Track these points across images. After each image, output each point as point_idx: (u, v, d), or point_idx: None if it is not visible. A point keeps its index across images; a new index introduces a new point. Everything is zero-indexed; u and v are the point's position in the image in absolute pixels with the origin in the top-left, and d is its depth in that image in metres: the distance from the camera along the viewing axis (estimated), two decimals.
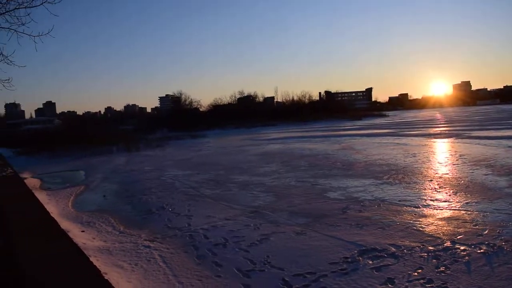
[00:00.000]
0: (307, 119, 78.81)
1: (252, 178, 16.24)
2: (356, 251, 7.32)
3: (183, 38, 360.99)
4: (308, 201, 11.55)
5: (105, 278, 5.52)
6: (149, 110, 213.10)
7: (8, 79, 11.54)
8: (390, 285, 5.90)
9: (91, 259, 6.57)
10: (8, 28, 10.46)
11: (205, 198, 13.11)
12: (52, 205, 13.32)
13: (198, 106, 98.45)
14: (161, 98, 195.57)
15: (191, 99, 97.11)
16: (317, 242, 7.99)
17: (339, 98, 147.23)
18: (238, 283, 6.32)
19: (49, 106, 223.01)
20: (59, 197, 15.22)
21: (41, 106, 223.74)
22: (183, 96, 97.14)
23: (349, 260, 6.95)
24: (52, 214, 10.16)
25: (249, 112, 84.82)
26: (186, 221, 10.33)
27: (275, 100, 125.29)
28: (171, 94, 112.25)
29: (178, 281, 6.51)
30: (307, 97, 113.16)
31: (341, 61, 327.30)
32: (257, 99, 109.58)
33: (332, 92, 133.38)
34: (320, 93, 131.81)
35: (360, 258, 6.98)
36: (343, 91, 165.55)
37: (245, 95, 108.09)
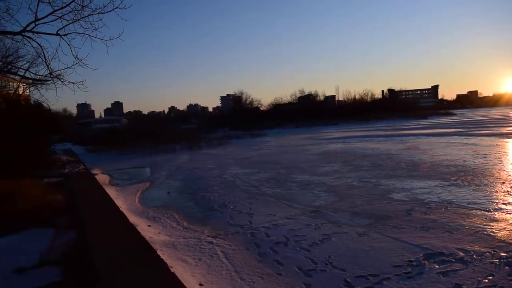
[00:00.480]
0: (369, 118, 77.09)
1: (313, 177, 16.15)
2: (421, 255, 7.09)
3: (244, 38, 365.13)
4: (370, 202, 11.32)
5: (172, 271, 5.74)
6: (210, 109, 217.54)
7: (82, 81, 12.30)
8: None
9: (158, 252, 6.84)
10: (82, 33, 11.15)
11: (266, 196, 13.21)
12: (120, 200, 13.98)
13: (259, 105, 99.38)
14: (222, 98, 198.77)
15: (251, 99, 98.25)
16: (380, 244, 7.82)
17: (403, 96, 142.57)
18: (300, 282, 6.33)
19: (117, 106, 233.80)
20: (126, 192, 15.94)
21: (110, 106, 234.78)
22: (243, 95, 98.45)
23: (414, 263, 6.74)
24: (121, 209, 10.70)
25: (310, 111, 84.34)
26: (247, 219, 10.48)
27: (336, 99, 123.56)
28: (232, 93, 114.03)
29: (240, 278, 6.63)
30: (369, 95, 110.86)
31: (405, 58, 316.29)
32: (318, 98, 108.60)
33: (396, 90, 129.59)
34: (383, 91, 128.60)
35: (426, 262, 6.76)
36: (407, 89, 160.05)
37: (306, 94, 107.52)
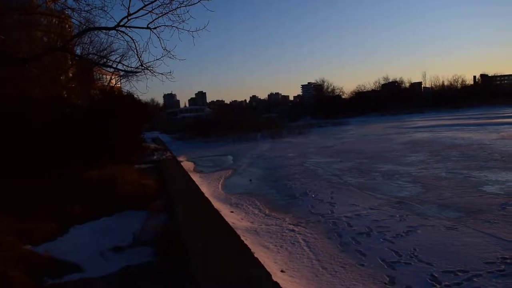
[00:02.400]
0: (459, 106, 72.57)
1: (398, 167, 15.63)
2: None
3: (324, 26, 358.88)
4: (460, 194, 10.74)
5: (255, 256, 5.90)
6: (291, 98, 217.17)
7: (170, 72, 12.89)
8: None
9: (241, 238, 7.05)
10: (171, 25, 11.67)
11: (348, 186, 13.03)
12: (205, 186, 14.54)
13: (341, 93, 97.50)
14: (303, 86, 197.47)
15: (333, 87, 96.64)
16: (470, 239, 7.42)
17: (498, 82, 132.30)
18: (383, 274, 6.21)
19: (200, 95, 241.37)
20: (210, 179, 16.54)
21: (194, 96, 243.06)
22: (325, 83, 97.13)
23: (509, 261, 6.32)
24: (206, 195, 11.12)
25: (394, 99, 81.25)
26: (329, 208, 10.43)
27: (422, 86, 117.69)
28: (313, 82, 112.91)
29: (321, 266, 6.65)
30: (459, 81, 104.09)
31: (500, 40, 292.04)
32: (403, 85, 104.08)
33: (490, 75, 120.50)
34: (474, 76, 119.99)
35: None
36: (503, 73, 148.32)
37: (390, 81, 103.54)
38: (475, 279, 5.79)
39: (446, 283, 5.76)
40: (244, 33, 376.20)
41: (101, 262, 6.61)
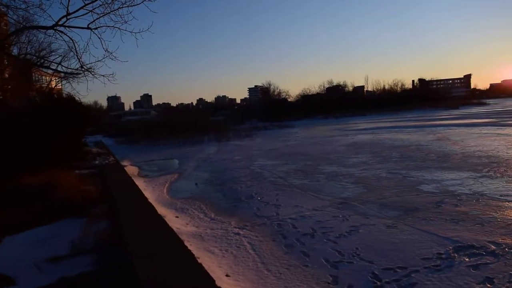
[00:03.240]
0: (399, 109, 75.58)
1: (341, 168, 16.02)
2: (451, 247, 6.96)
3: (271, 29, 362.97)
4: (399, 194, 11.16)
5: (199, 262, 5.83)
6: (238, 101, 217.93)
7: (113, 74, 12.53)
8: (489, 285, 5.55)
9: (185, 243, 6.94)
10: (113, 26, 11.35)
11: (293, 188, 13.20)
12: (149, 191, 14.22)
13: (287, 96, 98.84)
14: (250, 89, 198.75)
15: (279, 90, 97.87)
16: (408, 236, 7.72)
17: (434, 86, 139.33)
18: (326, 274, 6.32)
19: (146, 98, 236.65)
20: (155, 184, 16.20)
21: (139, 99, 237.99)
22: (271, 86, 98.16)
23: (443, 256, 6.63)
24: (149, 200, 10.89)
25: (338, 102, 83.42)
26: (274, 210, 10.50)
27: (365, 89, 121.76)
28: (260, 85, 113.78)
29: (266, 269, 6.67)
30: (399, 85, 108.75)
31: (436, 47, 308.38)
32: (347, 88, 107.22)
33: (426, 79, 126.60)
34: (413, 81, 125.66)
35: (456, 255, 6.63)
36: (438, 78, 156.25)
37: (334, 84, 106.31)
38: (413, 275, 6.01)
39: (386, 280, 5.94)
40: (191, 35, 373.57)
41: (36, 274, 6.28)
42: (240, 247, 7.86)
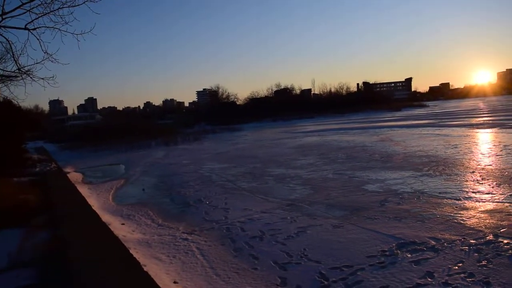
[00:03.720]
0: (344, 111, 77.82)
1: (289, 171, 16.20)
2: (394, 244, 7.19)
3: (220, 32, 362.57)
4: (345, 194, 11.42)
5: (145, 270, 5.67)
6: (187, 104, 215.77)
7: (53, 77, 11.96)
8: (429, 279, 5.77)
9: (131, 251, 6.75)
10: (52, 27, 10.84)
11: (242, 191, 13.19)
12: (93, 199, 13.75)
13: (235, 99, 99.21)
14: (198, 92, 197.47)
15: (228, 93, 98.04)
16: (354, 235, 7.90)
17: (378, 89, 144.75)
18: (275, 275, 6.33)
19: (91, 102, 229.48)
20: (100, 190, 15.69)
21: (83, 102, 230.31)
22: (220, 90, 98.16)
23: (387, 253, 6.83)
24: (93, 208, 10.52)
25: (286, 105, 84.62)
26: (223, 214, 10.44)
27: (312, 92, 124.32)
28: (209, 88, 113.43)
29: (215, 274, 6.60)
30: (344, 88, 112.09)
31: (379, 51, 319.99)
32: (294, 91, 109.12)
33: (371, 83, 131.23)
34: (358, 84, 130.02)
35: (399, 252, 6.85)
36: (381, 81, 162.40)
37: (282, 87, 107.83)
38: (358, 273, 6.15)
39: (333, 279, 6.04)
40: (137, 37, 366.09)
41: None
42: (189, 253, 7.73)
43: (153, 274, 5.79)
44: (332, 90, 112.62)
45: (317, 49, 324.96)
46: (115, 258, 6.09)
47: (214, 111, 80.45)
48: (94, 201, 13.00)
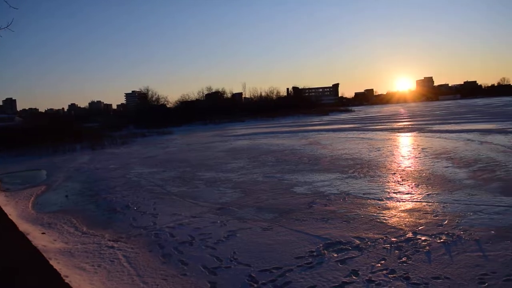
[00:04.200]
0: (275, 115, 79.13)
1: (219, 174, 16.16)
2: (321, 245, 7.39)
3: (150, 34, 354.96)
4: (275, 197, 11.58)
5: (66, 281, 5.37)
6: (115, 106, 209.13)
7: None
8: (354, 277, 5.98)
9: (51, 262, 6.39)
10: None
11: (171, 195, 12.95)
12: (10, 207, 12.86)
13: (165, 102, 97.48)
14: (127, 95, 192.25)
15: (158, 95, 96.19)
16: (283, 237, 8.02)
17: (307, 94, 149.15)
18: (205, 280, 6.26)
19: (9, 103, 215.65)
20: (18, 198, 14.70)
21: (1, 103, 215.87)
22: (150, 92, 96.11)
23: (315, 253, 7.00)
24: (10, 216, 9.84)
25: (217, 108, 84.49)
26: (151, 220, 10.17)
27: (243, 96, 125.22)
28: (138, 90, 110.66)
29: (142, 281, 6.40)
30: (275, 93, 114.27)
31: (309, 57, 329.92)
32: (225, 95, 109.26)
33: (300, 88, 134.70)
34: (288, 89, 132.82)
35: (325, 252, 7.05)
36: (310, 87, 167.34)
37: (213, 91, 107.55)
38: (287, 274, 6.24)
39: (263, 281, 6.07)
40: (61, 35, 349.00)
41: None
42: (114, 261, 7.44)
43: (75, 286, 5.51)
44: (263, 94, 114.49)
45: (249, 53, 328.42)
46: (34, 269, 5.72)
47: (144, 114, 78.46)
48: (11, 210, 12.15)
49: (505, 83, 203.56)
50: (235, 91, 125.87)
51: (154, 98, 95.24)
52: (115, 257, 7.64)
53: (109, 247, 8.28)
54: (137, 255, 7.71)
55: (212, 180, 14.93)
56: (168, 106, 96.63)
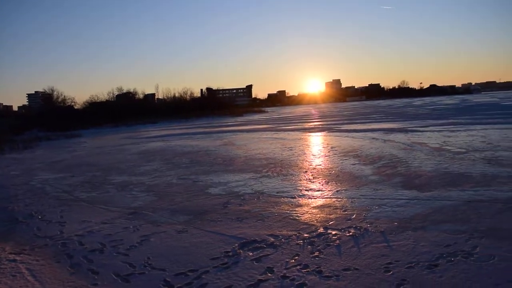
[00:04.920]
0: (189, 116, 78.40)
1: (132, 178, 15.66)
2: (237, 245, 7.45)
3: (54, 30, 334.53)
4: (189, 198, 11.47)
5: None
6: (15, 108, 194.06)
7: None
8: (269, 274, 6.10)
9: None
10: None
11: (80, 202, 12.30)
12: None
13: (73, 103, 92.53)
14: (29, 95, 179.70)
15: (64, 96, 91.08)
16: (198, 239, 7.97)
17: (221, 95, 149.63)
18: None
19: None
20: None
21: None
22: (55, 93, 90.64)
23: (230, 254, 7.04)
24: None
25: (129, 110, 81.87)
26: (58, 229, 9.58)
27: (156, 97, 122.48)
28: (42, 91, 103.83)
29: None
30: (188, 93, 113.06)
31: (222, 58, 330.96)
32: (137, 96, 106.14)
33: (214, 89, 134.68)
34: (201, 89, 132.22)
35: (241, 251, 7.12)
36: (224, 88, 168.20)
37: (124, 91, 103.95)
38: (203, 276, 6.21)
39: (178, 285, 5.98)
40: None
41: None
42: (17, 275, 6.90)
43: None
44: (176, 95, 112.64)
45: (162, 54, 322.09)
46: None
47: (49, 116, 73.67)
48: None
49: (405, 85, 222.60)
50: (148, 92, 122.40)
51: (60, 99, 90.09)
52: (18, 271, 7.09)
53: (10, 261, 7.66)
54: (42, 267, 7.22)
55: (124, 184, 14.43)
56: (75, 107, 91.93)
